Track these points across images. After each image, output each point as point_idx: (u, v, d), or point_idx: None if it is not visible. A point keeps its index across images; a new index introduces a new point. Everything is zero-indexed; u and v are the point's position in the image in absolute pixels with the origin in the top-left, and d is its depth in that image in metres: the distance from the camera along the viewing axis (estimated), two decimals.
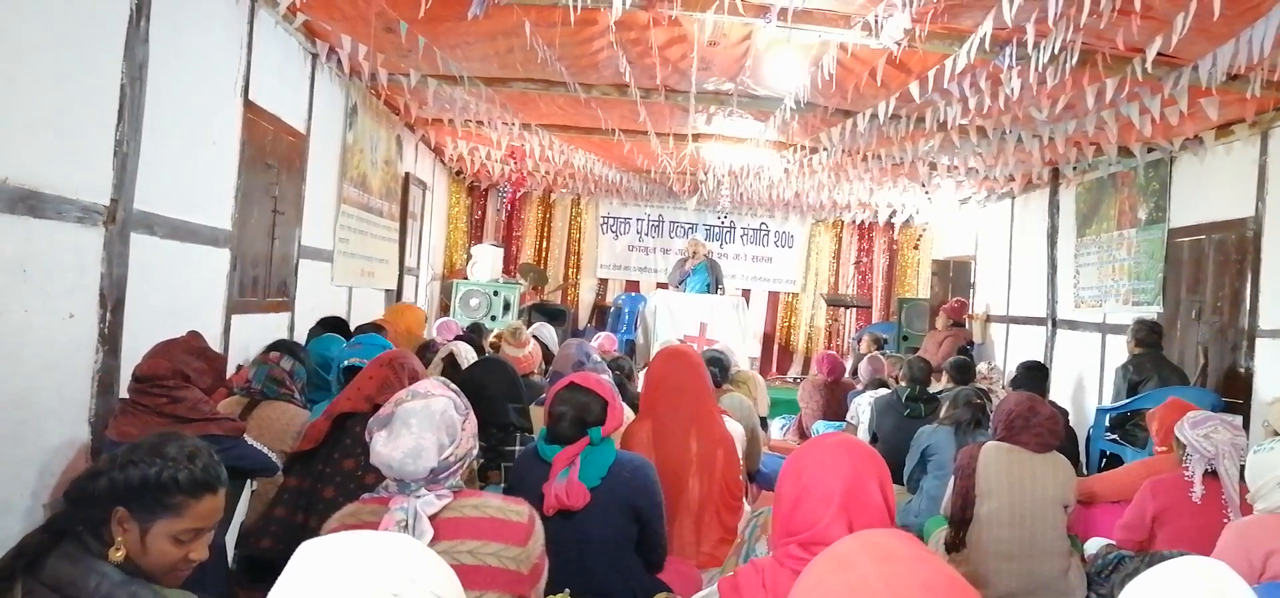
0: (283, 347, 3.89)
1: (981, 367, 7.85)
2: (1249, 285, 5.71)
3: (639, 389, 4.55)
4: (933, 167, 8.22)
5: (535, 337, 5.91)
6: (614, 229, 12.59)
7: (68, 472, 3.27)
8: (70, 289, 3.32)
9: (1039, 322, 8.66)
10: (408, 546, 1.18)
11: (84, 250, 3.39)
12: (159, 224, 3.91)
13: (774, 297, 12.80)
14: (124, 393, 3.32)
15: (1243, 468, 3.51)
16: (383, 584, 1.07)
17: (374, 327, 5.64)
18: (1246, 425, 5.39)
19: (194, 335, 3.33)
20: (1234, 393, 5.74)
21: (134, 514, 1.76)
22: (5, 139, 2.92)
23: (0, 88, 2.89)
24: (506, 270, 11.08)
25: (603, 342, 7.36)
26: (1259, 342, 5.63)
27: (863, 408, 6.25)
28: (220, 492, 1.88)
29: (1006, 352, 9.50)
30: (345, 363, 4.16)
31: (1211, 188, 6.26)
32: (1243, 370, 5.74)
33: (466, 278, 9.86)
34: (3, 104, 2.91)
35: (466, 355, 4.47)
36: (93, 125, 3.41)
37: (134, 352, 3.28)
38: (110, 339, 3.52)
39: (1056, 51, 4.14)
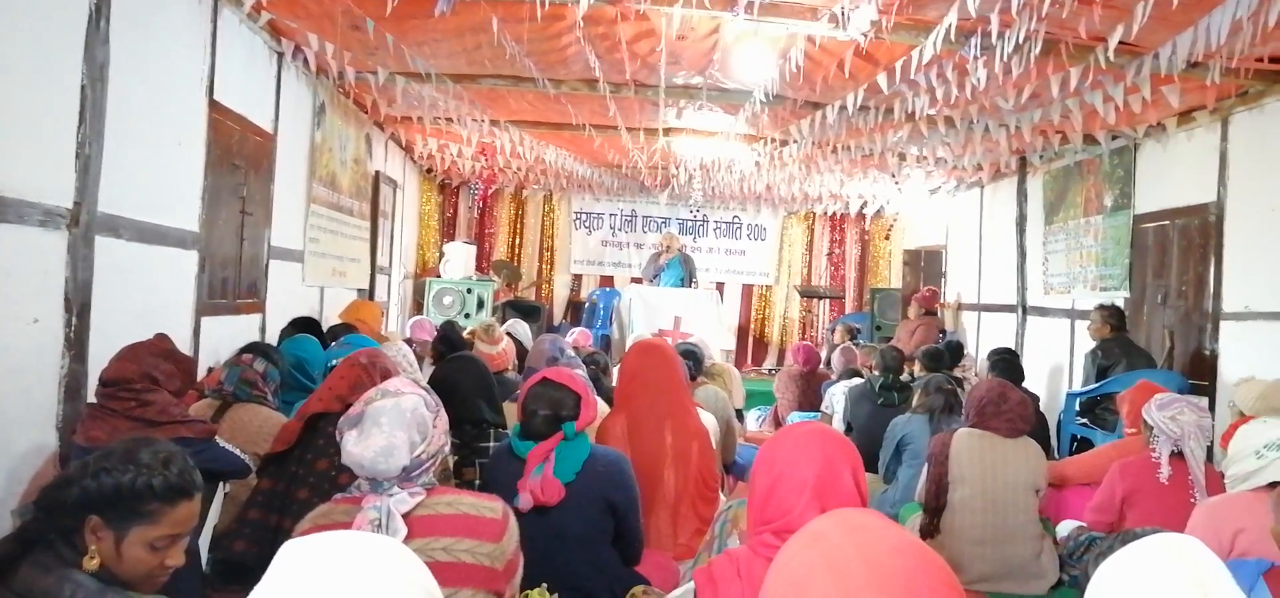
0: (256, 349, 3.85)
1: None
2: (1212, 269, 5.81)
3: (614, 383, 4.55)
4: (902, 157, 8.28)
5: (509, 333, 5.89)
6: (587, 225, 12.58)
7: (36, 478, 3.22)
8: (34, 294, 3.27)
9: (1009, 309, 8.76)
10: (390, 546, 1.17)
11: (47, 254, 3.34)
12: (124, 227, 3.86)
13: (748, 289, 12.85)
14: (92, 398, 3.27)
15: (1209, 448, 3.58)
16: (369, 582, 1.06)
17: (347, 326, 5.59)
18: (1212, 407, 5.48)
19: (161, 338, 3.29)
20: (1200, 375, 5.84)
21: (108, 523, 1.73)
22: None
23: None
24: (480, 268, 11.04)
25: (577, 337, 7.35)
26: (1223, 324, 5.72)
27: (837, 398, 6.29)
28: (195, 497, 1.85)
29: (978, 339, 9.60)
30: (330, 364, 4.12)
31: (1175, 174, 6.36)
32: (1208, 353, 5.84)
33: (439, 276, 9.81)
34: None
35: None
36: (53, 128, 3.36)
37: (101, 356, 3.23)
38: (76, 344, 3.48)
39: (1021, 41, 4.19)
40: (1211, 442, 3.73)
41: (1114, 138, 6.75)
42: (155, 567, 1.78)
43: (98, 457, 1.79)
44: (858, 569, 1.07)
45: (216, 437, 3.18)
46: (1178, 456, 3.50)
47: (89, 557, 1.72)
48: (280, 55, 5.68)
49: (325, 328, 5.69)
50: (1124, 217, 6.91)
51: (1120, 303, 6.62)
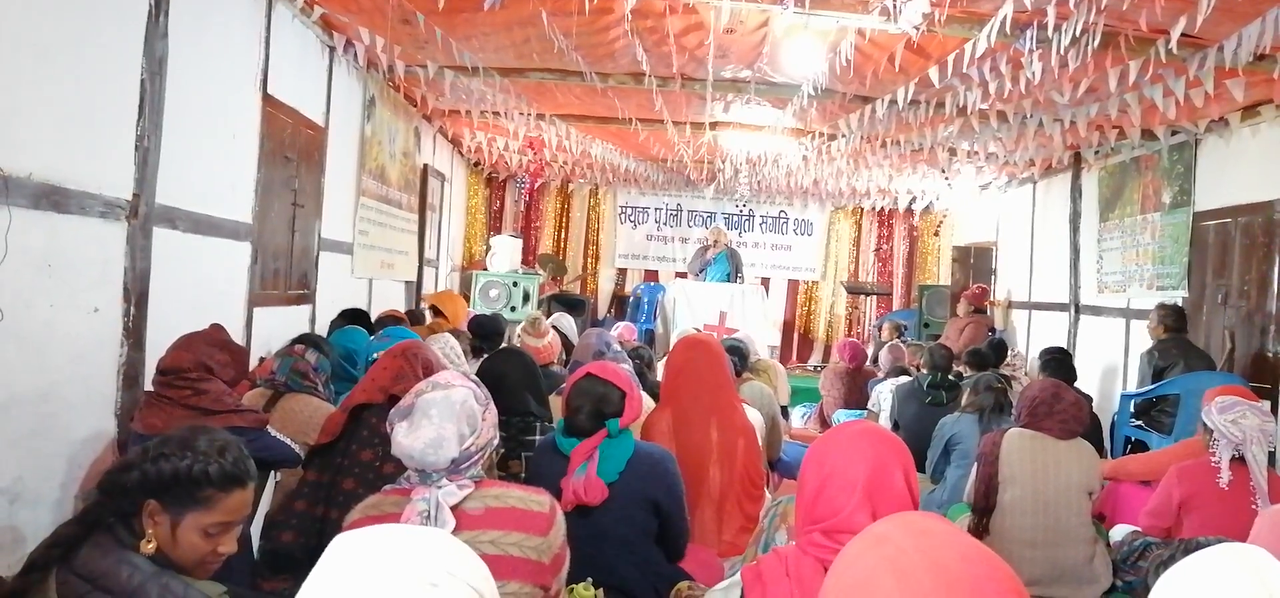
0: (307, 340, 3.91)
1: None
2: (1276, 269, 5.63)
3: (659, 378, 4.54)
4: (952, 152, 8.15)
5: (555, 327, 5.91)
6: (632, 219, 12.58)
7: (95, 464, 3.30)
8: (95, 284, 3.35)
9: (1062, 308, 8.59)
10: (443, 539, 1.18)
11: (107, 245, 3.42)
12: (180, 218, 3.93)
13: (794, 285, 12.76)
14: (148, 386, 3.35)
15: (1271, 454, 3.47)
16: (422, 574, 1.07)
17: (394, 318, 5.66)
18: (1275, 411, 5.32)
19: (216, 328, 3.36)
20: (1261, 378, 5.67)
21: (165, 507, 1.78)
22: (29, 135, 2.95)
23: (23, 85, 2.92)
24: (525, 261, 11.09)
25: (622, 331, 7.35)
26: None
27: (884, 396, 6.22)
28: (249, 486, 1.90)
29: (1029, 338, 9.43)
30: (372, 356, 4.18)
31: (1238, 170, 6.17)
32: (1270, 355, 5.67)
33: (486, 269, 9.89)
34: (26, 101, 2.94)
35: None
36: (114, 121, 3.44)
37: (158, 345, 3.31)
38: (134, 333, 3.55)
39: (1078, 34, 4.08)
40: (1274, 447, 3.62)
41: (1173, 133, 6.58)
42: (208, 553, 1.83)
43: (157, 443, 1.84)
44: (924, 574, 1.05)
45: (268, 426, 3.23)
46: (1238, 460, 3.40)
47: (146, 540, 1.77)
48: (332, 49, 5.75)
49: (374, 320, 5.76)
50: (1183, 214, 6.73)
51: (1178, 302, 6.45)
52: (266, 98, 4.80)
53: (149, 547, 1.76)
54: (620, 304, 12.20)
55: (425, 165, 8.67)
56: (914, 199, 11.24)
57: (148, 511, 1.77)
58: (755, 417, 4.04)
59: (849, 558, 1.17)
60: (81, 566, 1.71)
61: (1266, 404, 3.66)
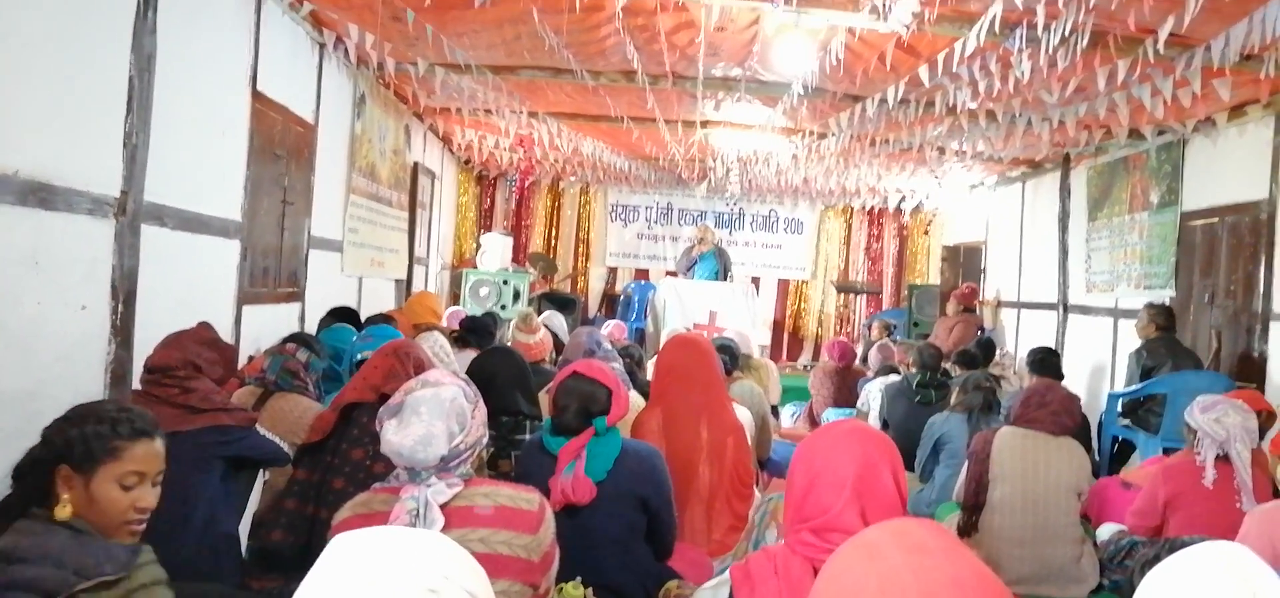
0: (299, 338, 3.89)
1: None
2: (1263, 269, 5.67)
3: (649, 377, 4.54)
4: (941, 151, 8.17)
5: (546, 325, 5.91)
6: (623, 217, 12.57)
7: None
8: (82, 281, 3.33)
9: (1050, 307, 8.62)
10: (441, 542, 1.18)
11: (95, 242, 3.40)
12: (169, 215, 3.91)
13: (784, 284, 12.77)
14: (136, 384, 3.33)
15: (1255, 451, 3.49)
16: (418, 580, 1.07)
17: (384, 318, 5.65)
18: None
19: (204, 326, 3.34)
20: (1248, 377, 5.71)
21: (77, 469, 1.83)
22: (15, 132, 2.93)
23: (9, 81, 2.90)
24: (516, 259, 11.08)
25: (612, 330, 7.36)
26: (1273, 325, 5.59)
27: (873, 395, 6.24)
28: (157, 439, 1.94)
29: (1018, 337, 9.47)
30: (357, 357, 4.16)
31: (1225, 170, 6.21)
32: (1256, 355, 5.70)
33: (476, 267, 9.87)
34: (12, 97, 2.92)
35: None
36: (102, 117, 3.42)
37: (146, 343, 3.28)
38: (122, 331, 3.53)
39: (1067, 33, 4.10)
40: (1257, 444, 3.64)
41: (1161, 133, 6.61)
42: (128, 508, 1.86)
43: (61, 417, 1.91)
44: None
45: (256, 425, 3.22)
46: (1223, 459, 3.43)
47: (61, 506, 1.80)
48: (321, 46, 5.73)
49: (363, 319, 5.75)
50: (1171, 213, 6.77)
51: (1166, 302, 6.49)
52: (256, 95, 4.77)
53: (65, 512, 1.80)
54: (611, 303, 12.20)
55: (415, 163, 8.64)
56: (904, 198, 11.27)
57: (61, 477, 1.81)
58: (745, 415, 4.04)
59: (838, 568, 1.15)
60: (1, 549, 1.74)
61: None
